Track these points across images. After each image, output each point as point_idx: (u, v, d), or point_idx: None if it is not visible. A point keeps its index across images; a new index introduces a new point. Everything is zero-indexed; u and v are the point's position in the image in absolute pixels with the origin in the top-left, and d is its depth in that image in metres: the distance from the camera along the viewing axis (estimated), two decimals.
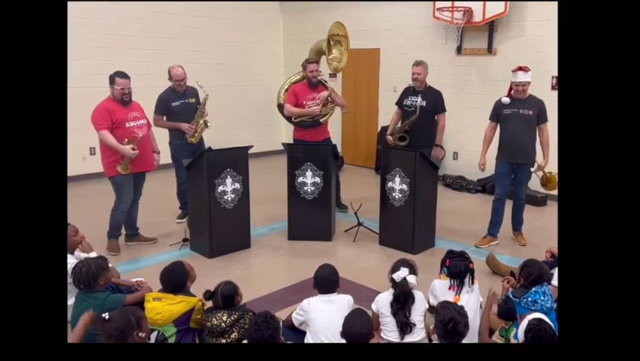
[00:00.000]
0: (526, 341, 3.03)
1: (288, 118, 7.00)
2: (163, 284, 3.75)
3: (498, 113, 5.97)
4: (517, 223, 6.25)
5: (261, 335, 2.93)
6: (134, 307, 3.12)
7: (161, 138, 6.81)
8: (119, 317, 2.86)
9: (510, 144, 5.91)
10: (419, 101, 6.53)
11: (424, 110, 6.48)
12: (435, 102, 6.58)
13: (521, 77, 5.74)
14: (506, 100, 5.87)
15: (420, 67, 6.57)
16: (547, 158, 5.86)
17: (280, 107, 7.12)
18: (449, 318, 3.00)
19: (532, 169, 5.86)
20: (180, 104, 6.49)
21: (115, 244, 5.84)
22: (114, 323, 2.82)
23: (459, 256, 3.84)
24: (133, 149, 5.51)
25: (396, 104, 6.92)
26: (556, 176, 5.85)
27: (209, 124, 6.64)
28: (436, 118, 6.69)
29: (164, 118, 6.55)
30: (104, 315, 2.83)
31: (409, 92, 6.77)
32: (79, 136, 8.57)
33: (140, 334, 2.89)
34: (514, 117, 5.84)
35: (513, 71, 5.83)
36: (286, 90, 7.09)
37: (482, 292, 3.93)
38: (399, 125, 6.78)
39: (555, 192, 6.50)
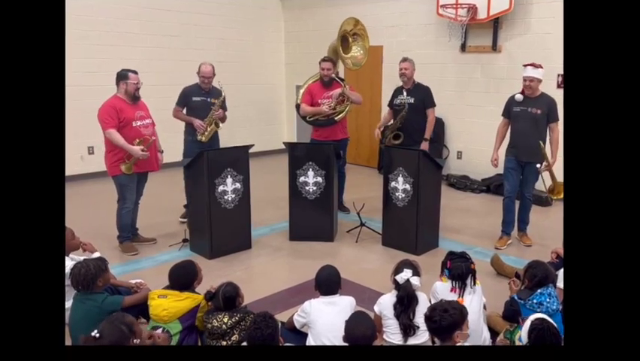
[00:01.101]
0: (530, 341, 3.03)
1: (304, 117, 7.04)
2: (171, 281, 3.78)
3: (509, 110, 6.02)
4: (522, 223, 6.25)
5: (260, 333, 2.95)
6: (121, 314, 3.09)
7: (177, 134, 6.90)
8: (110, 331, 2.82)
9: (517, 142, 5.95)
10: (408, 98, 6.59)
11: (413, 108, 6.57)
12: (424, 98, 6.65)
13: (529, 71, 5.76)
14: (519, 97, 5.87)
15: (407, 62, 6.66)
16: (555, 157, 5.82)
17: (298, 107, 7.13)
18: (432, 306, 3.08)
19: (538, 166, 5.83)
20: (201, 100, 6.57)
21: (129, 245, 5.86)
22: (106, 339, 2.78)
23: (460, 257, 3.84)
24: (143, 150, 5.52)
25: (388, 105, 7.03)
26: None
27: (220, 125, 6.69)
28: (427, 112, 6.75)
29: (184, 111, 6.67)
30: (93, 334, 2.79)
31: (398, 91, 6.85)
32: (77, 135, 8.61)
33: (135, 341, 2.88)
34: (522, 115, 5.87)
35: (524, 66, 5.86)
36: (304, 91, 7.10)
37: (485, 293, 3.93)
38: (390, 122, 6.86)
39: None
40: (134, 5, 9.53)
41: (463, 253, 3.91)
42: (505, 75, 8.33)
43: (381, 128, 6.89)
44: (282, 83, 11.90)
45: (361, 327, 3.04)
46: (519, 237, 6.24)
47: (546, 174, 5.89)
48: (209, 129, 6.54)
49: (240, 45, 11.17)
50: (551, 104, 5.83)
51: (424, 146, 6.63)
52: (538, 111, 5.79)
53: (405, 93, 6.61)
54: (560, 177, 5.84)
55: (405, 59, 6.69)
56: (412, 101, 6.57)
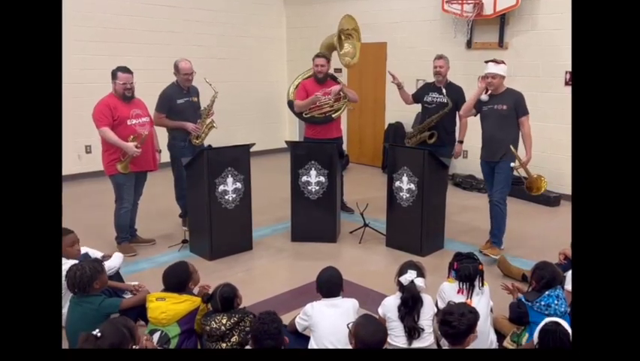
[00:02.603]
0: (538, 340, 3.05)
1: (299, 115, 7.00)
2: (164, 282, 3.78)
3: (479, 109, 5.83)
4: (492, 236, 5.85)
5: (267, 327, 2.98)
6: (123, 318, 3.11)
7: (161, 139, 6.73)
8: (112, 332, 2.82)
9: (487, 142, 5.80)
10: (441, 97, 6.49)
11: (444, 107, 6.44)
12: (457, 99, 6.49)
13: (491, 68, 5.60)
14: (484, 97, 5.70)
15: (442, 60, 6.55)
16: (530, 153, 5.64)
17: (290, 104, 7.09)
18: (447, 310, 3.07)
19: (512, 164, 5.61)
20: (185, 102, 6.28)
21: (127, 246, 5.85)
22: (108, 339, 2.78)
23: (467, 258, 3.84)
24: (137, 147, 5.51)
25: (413, 95, 6.91)
26: (543, 180, 5.62)
27: (216, 124, 6.50)
28: (457, 115, 6.62)
29: (165, 116, 6.33)
30: (94, 332, 2.79)
31: (429, 88, 6.75)
32: (74, 133, 8.62)
33: (134, 347, 2.88)
34: (489, 114, 5.73)
35: (485, 62, 5.71)
36: (296, 87, 7.06)
37: (491, 294, 3.92)
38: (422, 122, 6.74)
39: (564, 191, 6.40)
40: (132, 1, 9.54)
41: (470, 254, 3.91)
42: (512, 72, 8.27)
43: (418, 135, 6.70)
44: (283, 80, 11.89)
45: (380, 332, 3.06)
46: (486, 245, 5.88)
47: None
48: (205, 130, 6.38)
49: (241, 41, 11.17)
50: (518, 99, 5.64)
51: (459, 148, 6.62)
52: (504, 107, 5.61)
53: (441, 93, 6.50)
54: (538, 171, 5.72)
55: (440, 57, 6.58)
56: (445, 100, 6.45)
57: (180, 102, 6.27)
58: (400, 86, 6.81)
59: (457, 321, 2.97)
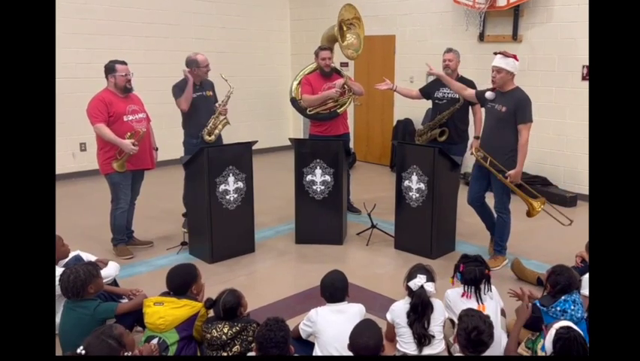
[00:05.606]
0: (555, 352, 3.02)
1: (303, 112, 6.97)
2: (168, 281, 3.79)
3: (484, 104, 5.62)
4: (495, 245, 5.75)
5: (273, 335, 2.97)
6: (108, 327, 3.09)
7: (175, 130, 6.73)
8: (97, 346, 2.82)
9: (482, 142, 5.63)
10: (452, 93, 6.41)
11: (455, 103, 6.39)
12: None
13: (496, 60, 5.30)
14: (490, 95, 5.43)
15: (451, 54, 6.48)
16: (520, 166, 5.29)
17: (294, 101, 7.05)
18: (473, 327, 3.01)
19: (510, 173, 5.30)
20: (198, 96, 6.26)
21: (124, 248, 5.86)
22: (94, 355, 2.80)
23: (474, 261, 3.84)
24: (134, 144, 5.51)
25: (421, 90, 6.87)
26: (539, 203, 5.39)
27: (229, 121, 6.43)
28: (471, 110, 6.58)
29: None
30: (78, 351, 2.78)
31: (439, 83, 6.59)
32: (68, 130, 8.63)
33: (126, 353, 2.88)
34: (489, 112, 5.51)
35: (494, 54, 5.42)
36: (299, 83, 7.02)
37: (505, 299, 3.91)
38: (433, 119, 6.68)
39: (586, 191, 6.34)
40: None
41: (477, 257, 3.91)
42: (526, 67, 8.28)
43: (428, 132, 6.65)
44: (287, 74, 11.88)
45: (364, 336, 3.04)
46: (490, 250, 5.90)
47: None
48: (218, 127, 6.31)
49: (243, 34, 11.17)
50: (519, 102, 5.24)
51: (476, 144, 6.53)
52: (503, 109, 5.28)
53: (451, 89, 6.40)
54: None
55: (449, 50, 6.50)
56: (457, 96, 6.36)
57: (194, 96, 6.24)
58: (393, 89, 6.77)
59: (488, 337, 2.99)
